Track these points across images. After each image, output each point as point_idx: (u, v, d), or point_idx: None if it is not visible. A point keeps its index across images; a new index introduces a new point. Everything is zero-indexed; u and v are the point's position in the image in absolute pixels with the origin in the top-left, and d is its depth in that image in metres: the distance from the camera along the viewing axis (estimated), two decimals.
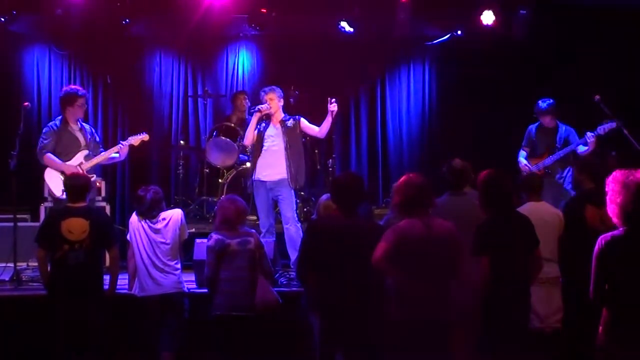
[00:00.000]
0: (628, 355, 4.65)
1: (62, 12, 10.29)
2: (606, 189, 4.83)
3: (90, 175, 8.46)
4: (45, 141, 8.45)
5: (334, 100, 8.57)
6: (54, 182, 8.32)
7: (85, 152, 8.55)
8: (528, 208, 6.62)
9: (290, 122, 8.75)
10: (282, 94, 8.90)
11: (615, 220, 4.75)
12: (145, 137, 8.89)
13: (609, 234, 4.79)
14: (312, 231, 6.04)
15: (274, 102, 8.72)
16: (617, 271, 4.67)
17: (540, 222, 6.27)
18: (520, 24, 10.76)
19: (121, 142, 8.82)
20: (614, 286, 4.69)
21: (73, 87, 9.14)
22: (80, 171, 8.20)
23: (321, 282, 5.88)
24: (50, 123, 8.69)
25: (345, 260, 5.76)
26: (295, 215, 8.72)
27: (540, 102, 9.41)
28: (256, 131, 8.74)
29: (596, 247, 4.77)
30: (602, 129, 8.95)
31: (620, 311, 4.66)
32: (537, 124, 9.55)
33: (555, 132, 9.43)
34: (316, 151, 11.02)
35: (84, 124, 8.76)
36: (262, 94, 8.83)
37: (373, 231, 5.90)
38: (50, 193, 8.50)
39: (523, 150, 9.62)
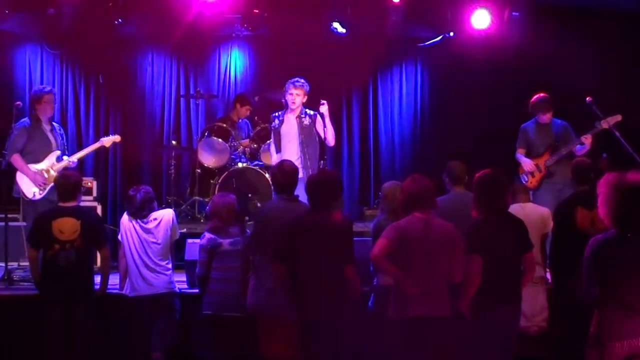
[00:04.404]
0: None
1: (54, 11, 10.29)
2: (598, 192, 4.84)
3: None
4: (14, 140, 8.30)
5: (324, 101, 8.50)
6: (25, 183, 8.21)
7: (58, 153, 8.45)
8: (513, 210, 6.52)
9: (306, 120, 8.62)
10: (308, 89, 8.66)
11: (606, 222, 4.77)
12: (116, 138, 8.97)
13: (600, 235, 4.81)
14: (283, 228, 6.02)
15: (299, 97, 8.59)
16: (608, 273, 4.68)
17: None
18: (513, 26, 10.78)
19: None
20: (605, 288, 4.70)
21: (41, 86, 8.97)
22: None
23: (292, 279, 5.90)
24: (22, 121, 8.49)
25: (313, 255, 5.81)
26: None
27: (535, 97, 9.02)
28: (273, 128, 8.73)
29: (587, 248, 4.79)
30: (606, 123, 8.59)
31: (612, 313, 4.67)
32: (531, 121, 9.13)
33: (551, 128, 9.01)
34: None
35: (54, 124, 8.68)
36: (290, 85, 8.59)
37: (342, 227, 5.96)
38: (22, 194, 8.29)
39: (519, 151, 9.09)
